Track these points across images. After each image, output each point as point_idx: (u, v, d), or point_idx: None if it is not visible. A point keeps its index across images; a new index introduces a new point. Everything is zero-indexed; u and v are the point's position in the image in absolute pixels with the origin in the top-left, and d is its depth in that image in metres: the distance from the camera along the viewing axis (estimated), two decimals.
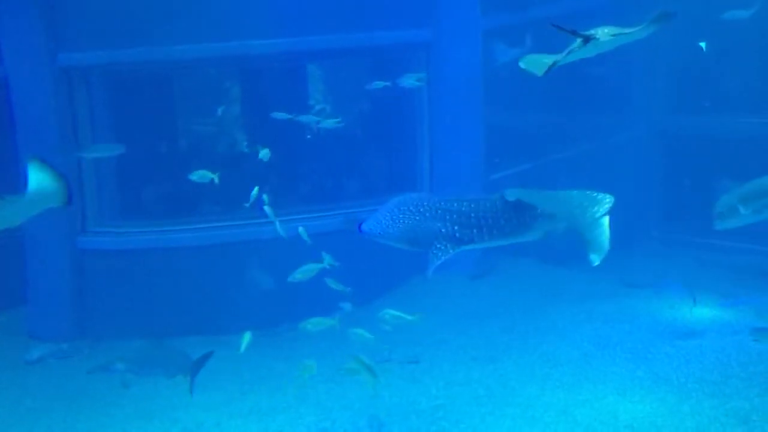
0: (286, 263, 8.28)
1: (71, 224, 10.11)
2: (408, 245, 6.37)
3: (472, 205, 6.37)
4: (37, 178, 4.96)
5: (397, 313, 7.61)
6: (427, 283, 7.58)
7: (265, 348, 8.98)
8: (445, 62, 11.11)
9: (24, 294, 10.32)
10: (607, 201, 5.85)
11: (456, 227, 6.28)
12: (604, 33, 5.28)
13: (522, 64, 5.31)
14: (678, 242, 12.75)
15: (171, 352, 8.03)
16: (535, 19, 11.72)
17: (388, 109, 11.59)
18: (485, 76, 11.38)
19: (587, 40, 5.22)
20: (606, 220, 5.77)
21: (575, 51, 5.30)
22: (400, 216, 6.38)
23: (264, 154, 8.76)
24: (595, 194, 5.96)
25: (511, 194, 6.26)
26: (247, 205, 8.54)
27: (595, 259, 5.60)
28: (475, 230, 6.28)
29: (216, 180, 8.57)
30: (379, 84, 9.93)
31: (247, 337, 7.53)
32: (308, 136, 11.47)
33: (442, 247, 6.25)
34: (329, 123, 9.98)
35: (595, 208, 5.86)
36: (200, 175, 8.64)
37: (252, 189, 8.57)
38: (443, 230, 6.29)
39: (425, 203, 6.46)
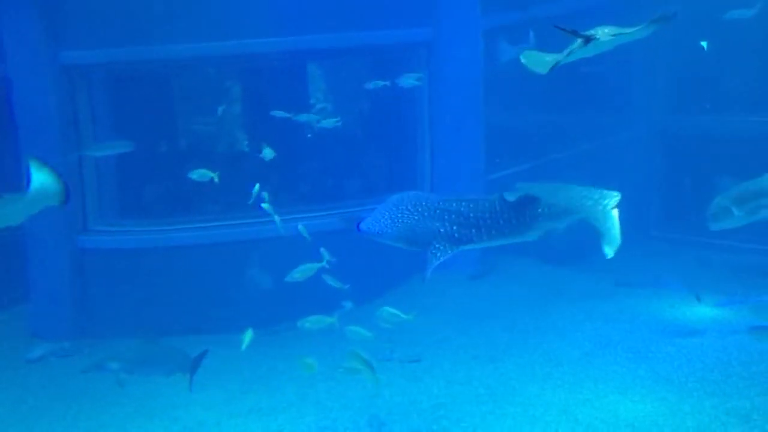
0: (286, 262, 8.28)
1: (72, 223, 10.11)
2: (406, 245, 6.37)
3: (471, 205, 6.37)
4: (38, 177, 5.03)
5: (395, 311, 7.61)
6: (427, 283, 7.57)
7: (265, 347, 8.98)
8: (445, 61, 11.11)
9: (25, 293, 10.32)
10: (615, 195, 5.85)
11: (455, 227, 6.27)
12: (604, 33, 5.29)
13: (523, 59, 5.32)
14: (679, 241, 12.75)
15: (167, 351, 8.03)
16: (536, 18, 11.73)
17: (388, 108, 11.60)
18: (486, 76, 11.38)
19: (588, 40, 5.23)
20: (616, 213, 5.79)
21: (576, 51, 5.31)
22: (399, 215, 6.37)
23: (267, 153, 8.76)
24: (603, 189, 5.99)
25: (521, 188, 6.28)
26: (249, 202, 8.53)
27: (609, 252, 5.59)
28: (473, 230, 6.28)
29: (216, 179, 8.57)
30: (379, 83, 9.95)
31: (248, 334, 7.53)
32: (308, 136, 11.48)
33: (441, 247, 6.24)
34: (328, 123, 9.99)
35: (606, 201, 5.86)
36: (200, 174, 8.65)
37: (252, 187, 8.57)
38: (442, 230, 6.28)
39: (424, 202, 6.45)
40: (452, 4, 10.99)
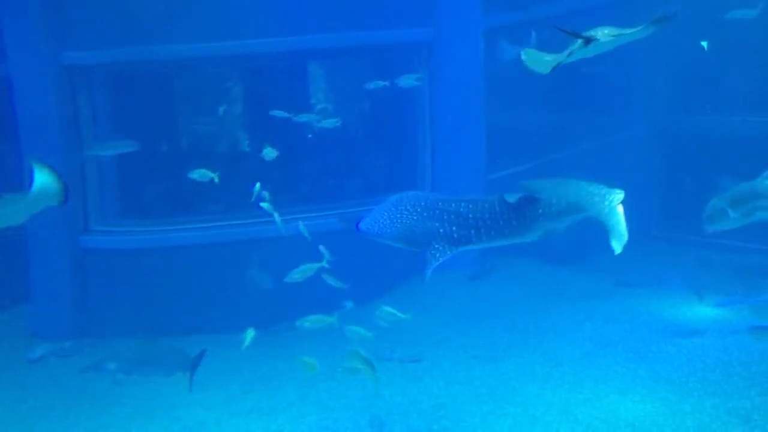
0: (286, 262, 8.28)
1: (73, 223, 10.12)
2: (406, 245, 6.37)
3: (471, 206, 6.38)
4: (40, 178, 5.12)
5: (392, 311, 7.61)
6: (427, 283, 7.60)
7: (265, 347, 8.98)
8: (445, 61, 11.11)
9: (25, 293, 10.32)
10: (619, 192, 5.93)
11: (454, 228, 6.28)
12: (604, 34, 5.32)
13: (523, 55, 5.34)
14: (679, 241, 12.76)
15: (164, 351, 8.04)
16: (537, 17, 11.73)
17: (389, 108, 11.60)
18: (486, 76, 11.39)
19: (588, 41, 5.25)
20: (621, 209, 5.83)
21: (576, 52, 5.33)
22: (398, 215, 6.37)
23: (269, 152, 8.76)
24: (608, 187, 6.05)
25: (529, 185, 6.31)
26: (251, 200, 8.54)
27: (617, 248, 5.67)
28: (473, 231, 6.28)
29: (216, 179, 8.57)
30: (378, 84, 9.96)
31: (250, 333, 7.53)
32: (309, 136, 11.48)
33: (440, 248, 6.25)
34: (327, 123, 10.00)
35: (612, 197, 5.91)
36: (200, 174, 8.65)
37: (253, 187, 8.58)
38: (441, 231, 6.29)
39: (423, 203, 6.45)
40: (452, 4, 10.99)
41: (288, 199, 10.57)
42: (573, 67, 5.79)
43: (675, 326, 9.38)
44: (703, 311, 9.84)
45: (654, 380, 7.93)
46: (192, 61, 10.13)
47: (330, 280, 8.19)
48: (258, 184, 8.54)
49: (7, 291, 10.58)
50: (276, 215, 8.62)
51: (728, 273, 11.42)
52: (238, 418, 7.74)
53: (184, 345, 8.60)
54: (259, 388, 8.40)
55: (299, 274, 8.03)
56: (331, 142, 11.63)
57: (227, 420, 7.72)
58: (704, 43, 9.18)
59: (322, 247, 8.20)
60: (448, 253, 6.25)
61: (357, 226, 6.44)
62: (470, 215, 6.31)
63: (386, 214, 6.43)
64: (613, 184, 6.30)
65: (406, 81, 9.99)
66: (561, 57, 5.32)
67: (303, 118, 9.65)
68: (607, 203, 5.88)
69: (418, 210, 6.37)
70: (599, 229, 7.44)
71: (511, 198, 6.27)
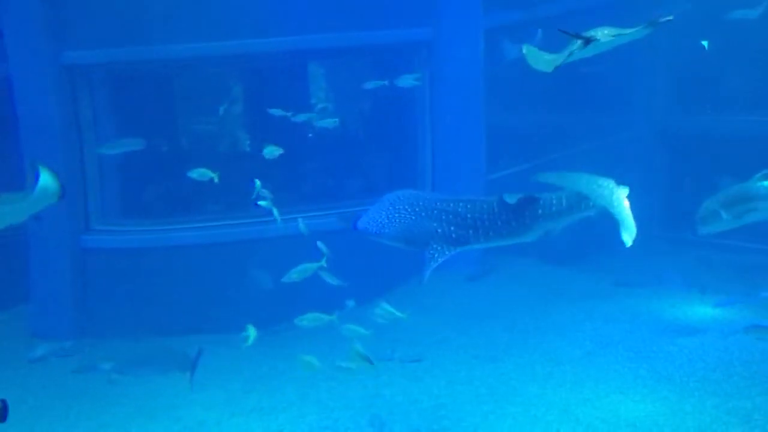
0: (287, 262, 8.27)
1: (74, 223, 10.12)
2: (404, 244, 6.38)
3: (469, 206, 6.39)
4: (42, 178, 5.24)
5: (390, 309, 7.60)
6: (427, 283, 7.60)
7: (265, 347, 8.97)
8: (446, 61, 11.11)
9: (26, 292, 10.32)
10: (625, 188, 6.05)
11: (452, 228, 6.29)
12: (603, 34, 5.36)
13: (524, 50, 5.38)
14: (680, 241, 12.74)
15: (159, 351, 8.04)
16: (538, 17, 11.72)
17: (389, 108, 11.60)
18: (486, 76, 11.38)
19: (588, 41, 5.28)
20: (627, 203, 5.93)
21: (576, 52, 5.36)
22: (396, 215, 6.37)
23: (272, 151, 8.75)
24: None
25: (541, 177, 6.37)
26: (252, 197, 8.53)
27: (627, 240, 5.76)
28: (471, 231, 6.30)
29: (216, 179, 8.57)
30: (377, 83, 9.97)
31: (252, 331, 7.51)
32: (309, 135, 11.48)
33: (439, 248, 6.25)
34: (326, 122, 10.01)
35: (619, 191, 6.01)
36: (200, 173, 8.65)
37: (253, 186, 8.58)
38: (440, 230, 6.29)
39: (421, 202, 6.46)
40: (453, 4, 10.99)
41: (288, 199, 10.57)
42: (573, 67, 5.80)
43: (675, 326, 9.38)
44: (703, 311, 9.83)
45: (655, 380, 7.93)
46: (192, 60, 10.13)
47: (328, 279, 8.18)
48: (258, 182, 8.54)
49: (8, 291, 10.58)
50: (275, 211, 8.61)
51: (729, 272, 11.42)
52: (238, 418, 7.74)
53: (184, 345, 8.60)
54: (260, 388, 8.40)
55: (297, 274, 8.01)
56: (332, 142, 11.63)
57: (228, 420, 7.72)
58: (705, 43, 9.17)
59: (320, 244, 8.21)
60: (447, 253, 6.26)
61: (354, 225, 6.45)
62: (469, 215, 6.32)
63: (384, 213, 6.43)
64: None
65: (405, 81, 10.00)
66: (561, 57, 5.34)
67: (302, 117, 9.64)
68: (616, 195, 5.96)
69: (416, 210, 6.37)
70: (599, 229, 7.46)
71: (510, 199, 6.28)
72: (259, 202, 8.57)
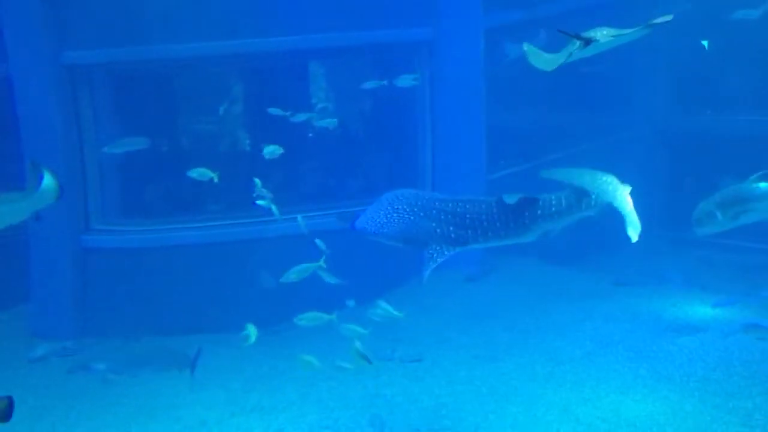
0: (287, 262, 8.27)
1: (74, 223, 10.12)
2: (403, 244, 6.38)
3: (468, 206, 6.39)
4: (43, 179, 5.30)
5: (388, 307, 7.60)
6: (427, 283, 7.61)
7: (266, 346, 8.97)
8: (446, 61, 11.11)
9: (26, 292, 10.32)
10: (627, 186, 6.17)
11: (451, 228, 6.29)
12: (603, 34, 5.41)
13: (525, 47, 5.42)
14: (681, 240, 12.74)
15: (154, 350, 8.05)
16: (539, 16, 11.72)
17: (390, 107, 11.60)
18: (487, 75, 11.38)
19: (588, 42, 5.32)
20: (630, 200, 6.03)
21: (575, 52, 5.39)
22: (395, 215, 6.37)
23: (274, 150, 8.75)
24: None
25: (547, 174, 6.42)
26: (254, 194, 8.53)
27: (633, 236, 5.83)
28: (470, 231, 6.30)
29: (215, 179, 8.57)
30: (376, 83, 9.98)
31: (252, 330, 7.50)
32: (310, 135, 11.48)
33: (438, 248, 6.26)
34: (324, 122, 10.02)
35: (623, 187, 6.11)
36: (199, 173, 8.65)
37: (254, 185, 8.58)
38: (438, 230, 6.30)
39: (419, 202, 6.45)
40: (453, 4, 11.00)
41: (288, 199, 10.57)
42: (573, 67, 5.81)
43: (676, 325, 9.38)
44: (703, 310, 9.83)
45: (655, 380, 7.92)
46: (193, 60, 10.14)
47: (327, 278, 8.17)
48: (258, 181, 8.53)
49: (8, 290, 10.58)
50: (274, 208, 8.60)
51: (730, 272, 11.42)
52: (239, 418, 7.74)
53: (184, 344, 8.62)
54: (260, 388, 8.40)
55: (296, 274, 8.00)
56: (332, 142, 11.63)
57: (228, 419, 7.72)
58: (705, 42, 9.17)
59: (318, 241, 8.20)
60: (446, 253, 6.27)
61: (352, 224, 6.45)
62: (467, 215, 6.32)
63: (382, 212, 6.43)
64: None
65: (404, 81, 10.01)
66: (561, 57, 5.37)
67: (301, 117, 9.64)
68: (620, 191, 6.07)
69: (415, 210, 6.37)
70: (599, 229, 7.46)
71: (509, 199, 6.28)
72: (257, 201, 8.57)
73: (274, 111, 9.29)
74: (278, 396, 8.14)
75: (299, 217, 9.00)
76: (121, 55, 9.82)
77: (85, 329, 10.04)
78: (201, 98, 11.90)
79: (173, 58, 9.96)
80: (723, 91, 13.08)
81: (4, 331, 10.38)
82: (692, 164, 13.14)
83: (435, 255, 6.24)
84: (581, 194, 6.58)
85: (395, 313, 7.55)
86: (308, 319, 7.79)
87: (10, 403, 4.17)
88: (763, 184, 7.14)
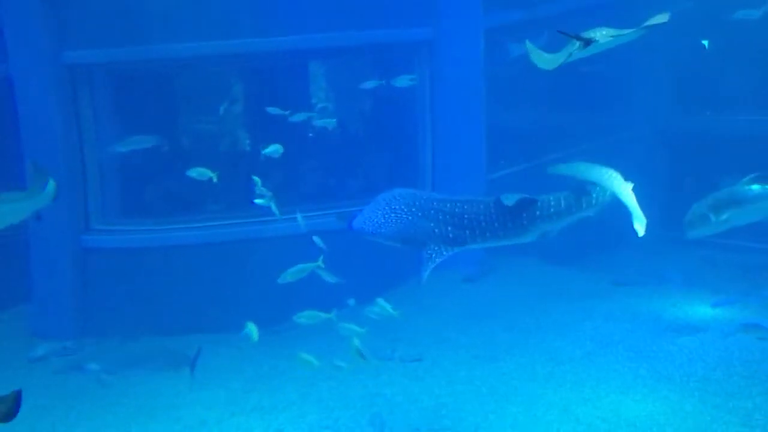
0: (286, 261, 8.27)
1: (74, 222, 10.12)
2: (401, 244, 6.38)
3: (466, 207, 6.39)
4: (43, 179, 5.34)
5: (386, 305, 7.60)
6: (426, 284, 7.62)
7: (266, 346, 8.97)
8: (446, 61, 11.11)
9: (26, 292, 10.32)
10: (629, 183, 6.26)
11: (449, 228, 6.29)
12: (602, 35, 5.45)
13: (527, 45, 5.46)
14: (683, 240, 12.72)
15: (152, 350, 8.06)
16: (538, 16, 11.72)
17: (390, 107, 11.60)
18: (487, 75, 11.38)
19: (588, 43, 5.35)
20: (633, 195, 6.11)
21: (575, 53, 5.42)
22: (393, 215, 6.37)
23: (275, 149, 8.74)
24: None
25: (554, 170, 6.47)
26: (255, 192, 8.52)
27: (640, 230, 5.90)
28: (467, 231, 6.30)
29: (215, 179, 8.57)
30: (374, 83, 9.98)
31: (253, 329, 7.49)
32: (310, 135, 11.48)
33: (436, 248, 6.26)
34: (323, 122, 10.01)
35: (627, 182, 6.20)
36: (198, 173, 8.64)
37: (254, 186, 8.57)
38: (437, 230, 6.29)
39: (417, 202, 6.45)
40: (453, 4, 11.00)
41: (288, 198, 10.57)
42: (574, 67, 5.82)
43: (676, 325, 9.38)
44: (703, 310, 9.83)
45: (655, 379, 7.92)
46: (193, 60, 10.14)
47: (326, 276, 8.17)
48: (258, 180, 8.53)
49: (8, 290, 10.58)
50: (273, 205, 8.59)
51: (731, 272, 11.41)
52: (239, 417, 7.74)
53: (184, 344, 8.63)
54: (260, 387, 8.40)
55: (292, 275, 7.98)
56: (332, 142, 11.64)
57: (228, 419, 7.72)
58: (705, 42, 9.18)
59: (316, 238, 8.19)
60: (445, 253, 6.27)
61: (350, 224, 6.44)
62: (465, 216, 6.32)
63: (380, 212, 6.43)
64: None
65: (402, 81, 10.02)
66: (561, 57, 5.40)
67: (301, 116, 9.64)
68: (624, 187, 6.16)
69: (413, 210, 6.37)
70: (599, 229, 7.47)
71: (508, 200, 6.28)
72: (256, 200, 8.56)
73: (272, 110, 9.29)
74: (278, 396, 8.14)
75: (299, 215, 9.00)
76: (122, 54, 9.82)
77: (85, 329, 10.03)
78: (201, 98, 11.91)
79: (173, 58, 9.96)
80: (723, 91, 13.07)
81: (4, 331, 10.38)
82: (692, 164, 13.13)
83: (433, 255, 6.24)
84: (581, 194, 6.58)
85: (392, 311, 7.55)
86: (307, 317, 7.79)
87: (17, 397, 4.12)
88: (755, 187, 7.18)
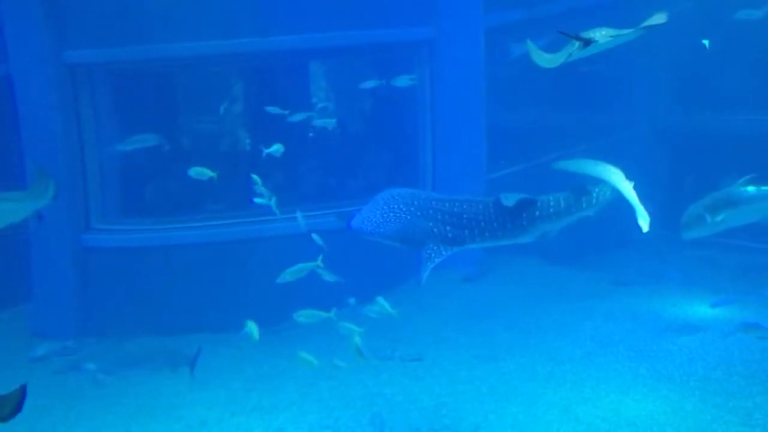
0: (286, 261, 8.27)
1: (75, 222, 10.12)
2: (400, 243, 6.38)
3: (465, 206, 6.39)
4: (43, 179, 5.36)
5: (385, 304, 7.60)
6: (427, 282, 7.63)
7: (266, 346, 8.97)
8: (446, 60, 11.12)
9: (27, 292, 10.33)
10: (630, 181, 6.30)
11: (448, 227, 6.29)
12: (601, 35, 5.48)
13: (528, 44, 5.49)
14: (683, 240, 12.73)
15: (150, 350, 8.06)
16: (538, 16, 11.72)
17: (390, 107, 11.60)
18: (487, 75, 11.38)
19: (587, 43, 5.38)
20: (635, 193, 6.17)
21: (575, 53, 5.44)
22: (392, 214, 6.37)
23: (277, 149, 8.74)
24: None
25: (559, 167, 6.50)
26: (255, 191, 8.51)
27: (644, 226, 5.94)
28: (467, 231, 6.30)
29: (215, 178, 8.56)
30: (374, 83, 9.98)
31: (254, 328, 7.48)
32: (310, 134, 11.48)
33: (435, 248, 6.26)
34: (323, 122, 10.01)
35: (628, 180, 6.25)
36: (198, 172, 8.64)
37: (254, 186, 8.57)
38: (435, 230, 6.29)
39: (416, 201, 6.44)
40: (453, 4, 11.00)
41: (288, 198, 10.57)
42: (574, 67, 5.82)
43: (676, 325, 9.38)
44: (703, 310, 9.83)
45: (655, 379, 7.93)
46: (193, 59, 10.14)
47: (325, 275, 8.16)
48: (258, 179, 8.53)
49: (8, 290, 10.58)
50: (273, 203, 8.58)
51: (731, 272, 11.41)
52: (239, 417, 7.74)
53: (184, 344, 8.63)
54: (261, 387, 8.40)
55: (292, 274, 7.98)
56: (332, 141, 11.63)
57: (229, 419, 7.73)
58: (706, 42, 9.18)
59: (315, 236, 8.19)
60: (444, 253, 6.27)
61: (349, 224, 6.44)
62: (464, 215, 6.32)
63: (378, 212, 6.43)
64: None
65: (401, 81, 10.02)
66: (561, 57, 5.42)
67: (301, 116, 9.64)
68: (626, 183, 6.21)
69: (412, 209, 6.37)
70: (599, 229, 7.47)
71: (507, 200, 6.28)
72: (255, 199, 8.56)
73: (272, 110, 9.28)
74: (279, 395, 8.14)
75: (299, 213, 8.99)
76: (122, 54, 9.82)
77: (85, 328, 10.04)
78: (201, 98, 11.91)
79: (173, 58, 9.96)
80: (723, 91, 13.07)
81: (4, 330, 10.38)
82: (692, 164, 13.13)
83: (433, 255, 6.24)
84: (581, 193, 6.58)
85: (390, 309, 7.55)
86: (306, 316, 7.79)
87: (23, 392, 4.11)
88: (751, 188, 7.20)
